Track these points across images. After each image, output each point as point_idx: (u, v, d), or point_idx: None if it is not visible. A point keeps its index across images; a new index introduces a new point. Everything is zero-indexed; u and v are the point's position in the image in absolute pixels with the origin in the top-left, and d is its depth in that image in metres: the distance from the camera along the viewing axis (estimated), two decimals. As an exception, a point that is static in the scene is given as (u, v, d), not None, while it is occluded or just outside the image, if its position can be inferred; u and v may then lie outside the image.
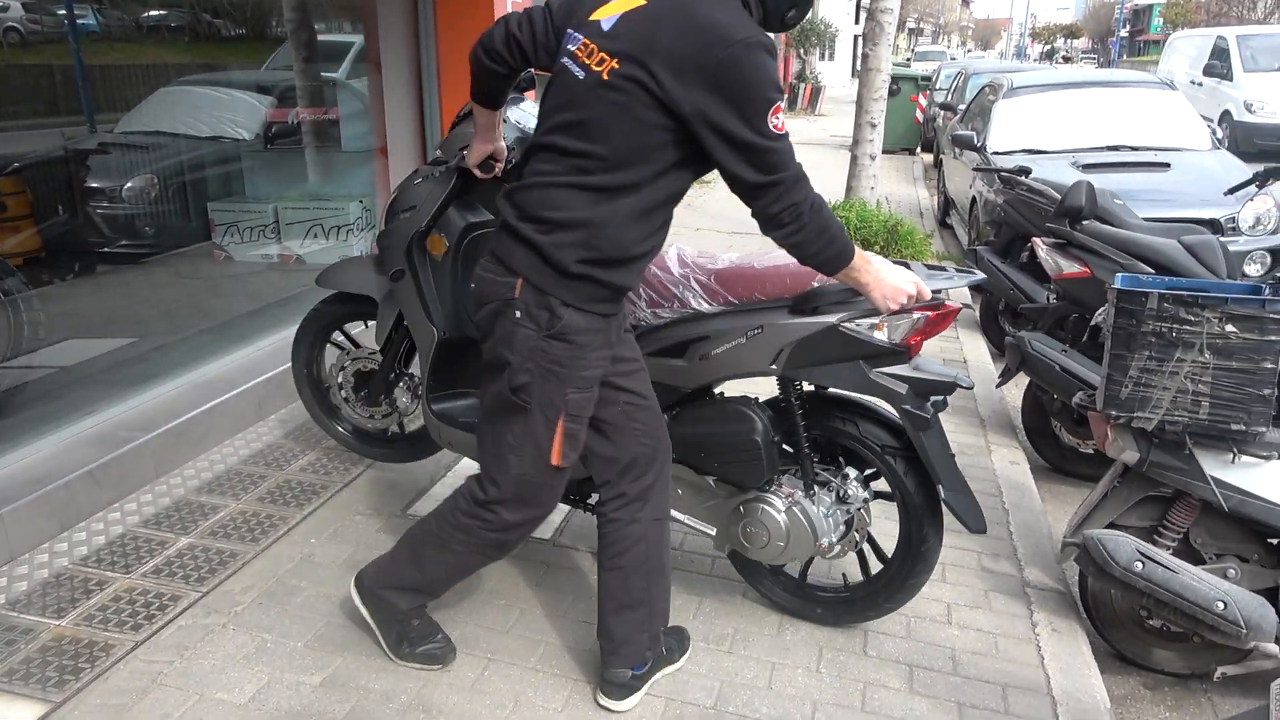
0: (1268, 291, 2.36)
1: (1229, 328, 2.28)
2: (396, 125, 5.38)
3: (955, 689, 2.35)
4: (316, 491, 3.15)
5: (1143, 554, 2.41)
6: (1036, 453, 3.96)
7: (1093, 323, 3.26)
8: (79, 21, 4.52)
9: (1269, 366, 2.26)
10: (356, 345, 3.14)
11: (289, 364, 3.85)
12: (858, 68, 7.66)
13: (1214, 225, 5.35)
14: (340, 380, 3.11)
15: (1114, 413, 2.45)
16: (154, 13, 5.14)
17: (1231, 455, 2.38)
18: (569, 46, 1.91)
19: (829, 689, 2.32)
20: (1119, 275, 2.59)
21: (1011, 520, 3.22)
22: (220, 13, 5.55)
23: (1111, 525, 2.61)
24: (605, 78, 1.82)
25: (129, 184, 4.94)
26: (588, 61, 1.85)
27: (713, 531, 2.53)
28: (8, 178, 4.16)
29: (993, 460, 3.70)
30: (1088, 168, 6.04)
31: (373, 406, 3.07)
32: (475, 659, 2.36)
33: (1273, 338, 2.24)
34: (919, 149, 14.71)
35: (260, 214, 5.39)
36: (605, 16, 1.87)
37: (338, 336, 3.23)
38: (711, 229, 8.06)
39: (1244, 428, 2.32)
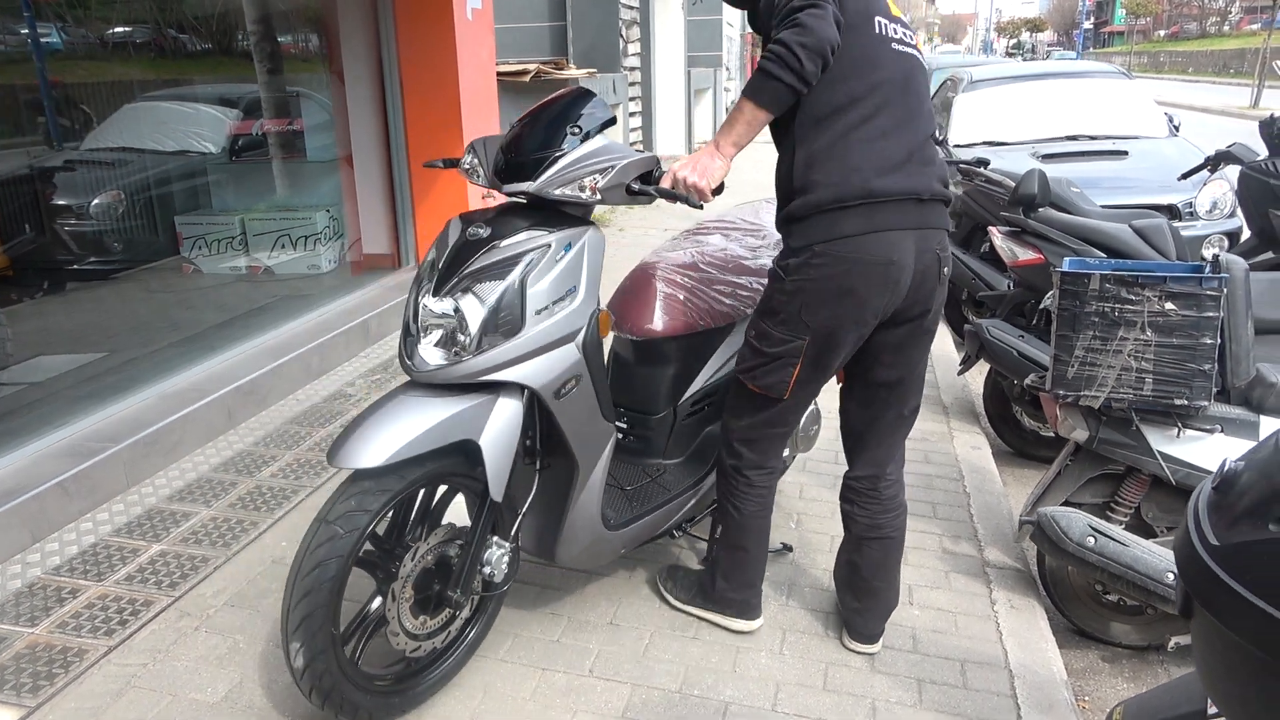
0: (1206, 270, 2.44)
1: (1168, 305, 2.36)
2: (361, 133, 5.42)
3: (915, 666, 2.41)
4: (287, 496, 3.18)
5: (1095, 529, 2.48)
6: (999, 437, 4.04)
7: (1041, 306, 3.34)
8: (42, 40, 4.52)
9: (1208, 342, 2.34)
10: (388, 548, 2.08)
11: (257, 372, 3.90)
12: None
13: (1172, 210, 5.45)
14: (401, 593, 2.04)
15: (1061, 392, 2.53)
16: (119, 29, 5.15)
17: (1177, 430, 2.46)
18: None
19: (791, 670, 2.38)
20: (1066, 259, 2.67)
21: (973, 503, 3.30)
22: (185, 27, 5.56)
23: (1066, 503, 2.69)
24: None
25: (96, 200, 4.95)
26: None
27: None
28: (-29, 196, 4.15)
29: (955, 446, 3.78)
30: (1047, 158, 6.15)
31: (433, 613, 2.13)
32: (446, 653, 2.40)
33: (1210, 314, 2.32)
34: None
35: (227, 226, 5.41)
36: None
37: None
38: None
39: (1186, 402, 2.40)
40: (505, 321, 1.96)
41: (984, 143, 6.69)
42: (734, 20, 19.03)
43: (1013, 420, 3.98)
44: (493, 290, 1.96)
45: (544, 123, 2.11)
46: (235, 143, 5.82)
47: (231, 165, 5.81)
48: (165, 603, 2.56)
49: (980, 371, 4.09)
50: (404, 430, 1.87)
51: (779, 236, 2.15)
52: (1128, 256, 3.57)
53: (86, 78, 4.90)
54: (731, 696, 2.27)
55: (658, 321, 2.52)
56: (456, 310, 1.95)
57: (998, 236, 4.03)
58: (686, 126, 12.30)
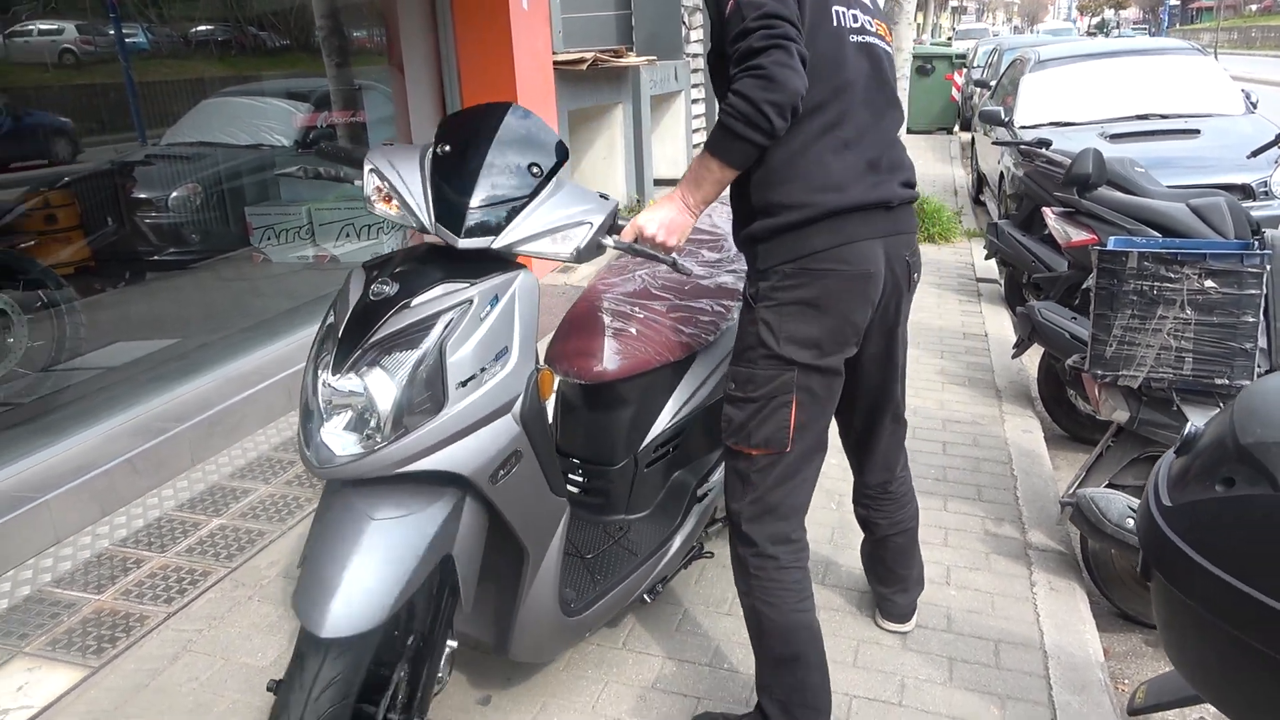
0: (1256, 247, 2.38)
1: (1208, 283, 2.31)
2: (420, 124, 5.55)
3: (948, 645, 2.41)
4: (341, 475, 3.31)
5: (1134, 510, 2.44)
6: (1054, 421, 3.97)
7: (1083, 287, 3.27)
8: (128, 40, 4.74)
9: (1249, 320, 2.29)
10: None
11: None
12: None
13: (1246, 190, 5.28)
14: None
15: (1100, 371, 2.49)
16: (200, 28, 5.37)
17: (1218, 410, 2.40)
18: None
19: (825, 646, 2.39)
20: (1111, 238, 2.63)
21: (1019, 486, 3.25)
22: (264, 25, 5.77)
23: (1109, 485, 2.65)
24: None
25: (174, 193, 5.16)
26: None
27: None
28: (58, 191, 4.38)
29: (1005, 429, 3.72)
30: (1116, 138, 5.99)
31: None
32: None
33: (1251, 291, 2.27)
34: (957, 128, 14.54)
35: (295, 217, 5.60)
36: None
37: None
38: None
39: (1227, 381, 2.34)
40: (423, 400, 1.60)
41: (1050, 123, 6.53)
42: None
43: (1067, 403, 3.90)
44: (405, 362, 1.59)
45: (487, 151, 1.75)
46: (304, 135, 6.02)
47: (300, 157, 6.00)
48: (222, 573, 2.70)
49: (1036, 355, 4.02)
50: (386, 578, 1.54)
51: (726, 245, 2.01)
52: (1183, 236, 3.48)
53: (169, 75, 5.12)
54: (758, 671, 2.30)
55: (609, 362, 2.20)
56: (364, 389, 1.58)
57: (1051, 217, 3.95)
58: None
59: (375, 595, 1.51)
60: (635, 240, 1.84)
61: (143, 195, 5.02)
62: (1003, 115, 6.89)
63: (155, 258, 5.07)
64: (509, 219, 1.73)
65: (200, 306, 4.92)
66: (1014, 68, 8.07)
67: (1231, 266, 2.27)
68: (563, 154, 1.87)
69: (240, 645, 2.40)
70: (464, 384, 1.63)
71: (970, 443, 3.60)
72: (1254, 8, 57.24)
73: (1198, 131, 6.03)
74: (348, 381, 1.59)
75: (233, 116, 5.63)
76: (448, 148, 1.77)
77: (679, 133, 9.60)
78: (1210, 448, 1.04)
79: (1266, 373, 2.39)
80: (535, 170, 1.78)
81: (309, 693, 1.50)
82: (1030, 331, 3.61)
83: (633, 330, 2.27)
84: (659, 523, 2.37)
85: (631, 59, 7.53)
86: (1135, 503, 2.46)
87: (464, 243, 1.71)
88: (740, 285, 2.19)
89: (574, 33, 7.80)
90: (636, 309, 2.32)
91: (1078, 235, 3.78)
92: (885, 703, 2.21)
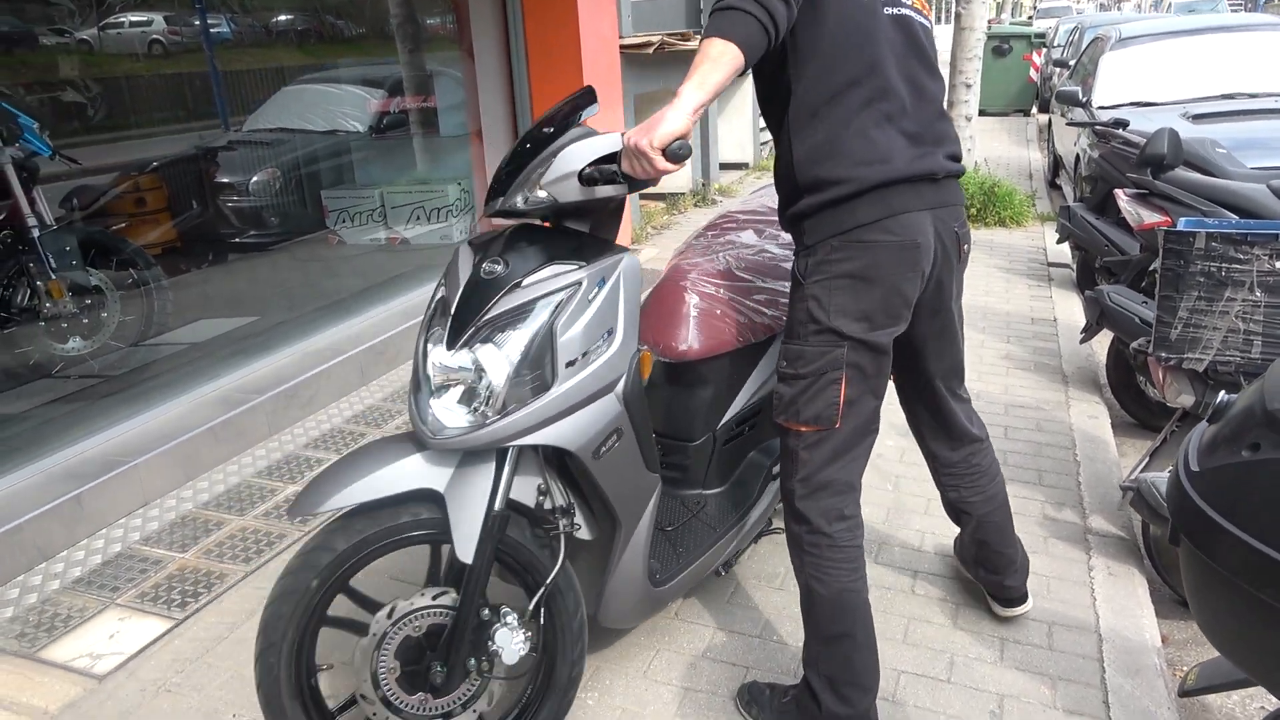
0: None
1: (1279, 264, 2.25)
2: (490, 109, 5.65)
3: (999, 626, 2.41)
4: (409, 447, 3.43)
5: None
6: (1122, 408, 3.89)
7: (1151, 268, 3.20)
8: (212, 30, 4.94)
9: (1322, 302, 2.23)
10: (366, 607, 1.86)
11: (389, 333, 4.18)
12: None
13: (1337, 172, 5.06)
14: (384, 667, 1.79)
15: (1164, 354, 2.45)
16: (281, 18, 5.56)
17: (1288, 394, 2.35)
18: None
19: (875, 623, 2.41)
20: (1182, 219, 2.57)
21: (1082, 471, 3.21)
22: (340, 14, 5.94)
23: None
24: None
25: (255, 178, 5.37)
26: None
27: None
28: (148, 175, 4.60)
29: (1070, 414, 3.67)
30: (1199, 118, 5.78)
31: (441, 692, 1.82)
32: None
33: (1324, 272, 2.21)
34: (1035, 109, 14.16)
35: (369, 200, 5.76)
36: None
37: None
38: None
39: (1298, 365, 2.28)
40: (533, 378, 1.69)
41: (1130, 104, 6.34)
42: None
43: (1136, 389, 3.82)
44: (517, 341, 1.69)
45: (536, 130, 1.83)
46: (377, 120, 6.18)
47: (373, 142, 6.16)
48: (296, 536, 2.83)
49: (1106, 340, 3.94)
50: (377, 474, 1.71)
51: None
52: (1261, 218, 3.37)
53: (250, 64, 5.31)
54: (808, 644, 2.34)
55: (693, 341, 2.26)
56: (475, 365, 1.69)
57: (1123, 199, 3.86)
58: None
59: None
60: (630, 150, 1.63)
61: (225, 180, 5.23)
62: (1080, 96, 6.71)
63: (236, 239, 5.28)
64: (516, 181, 1.80)
65: (278, 286, 5.12)
66: (1094, 46, 7.82)
67: (1303, 247, 2.21)
68: (589, 106, 1.86)
69: (312, 604, 2.53)
70: (571, 364, 1.72)
71: (1034, 427, 3.56)
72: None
73: (1288, 111, 5.79)
74: (460, 357, 1.69)
75: (310, 103, 5.81)
76: (528, 145, 1.84)
77: (746, 117, 9.56)
78: (1240, 415, 1.04)
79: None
80: (548, 131, 1.81)
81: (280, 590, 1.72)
82: (1099, 316, 3.54)
83: (717, 311, 2.30)
84: (734, 499, 2.42)
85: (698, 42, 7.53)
86: (1198, 487, 2.42)
87: (487, 210, 1.83)
88: None
89: (642, 17, 7.82)
90: (720, 289, 2.34)
91: (1150, 218, 3.69)
92: (934, 679, 2.23)
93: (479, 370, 1.68)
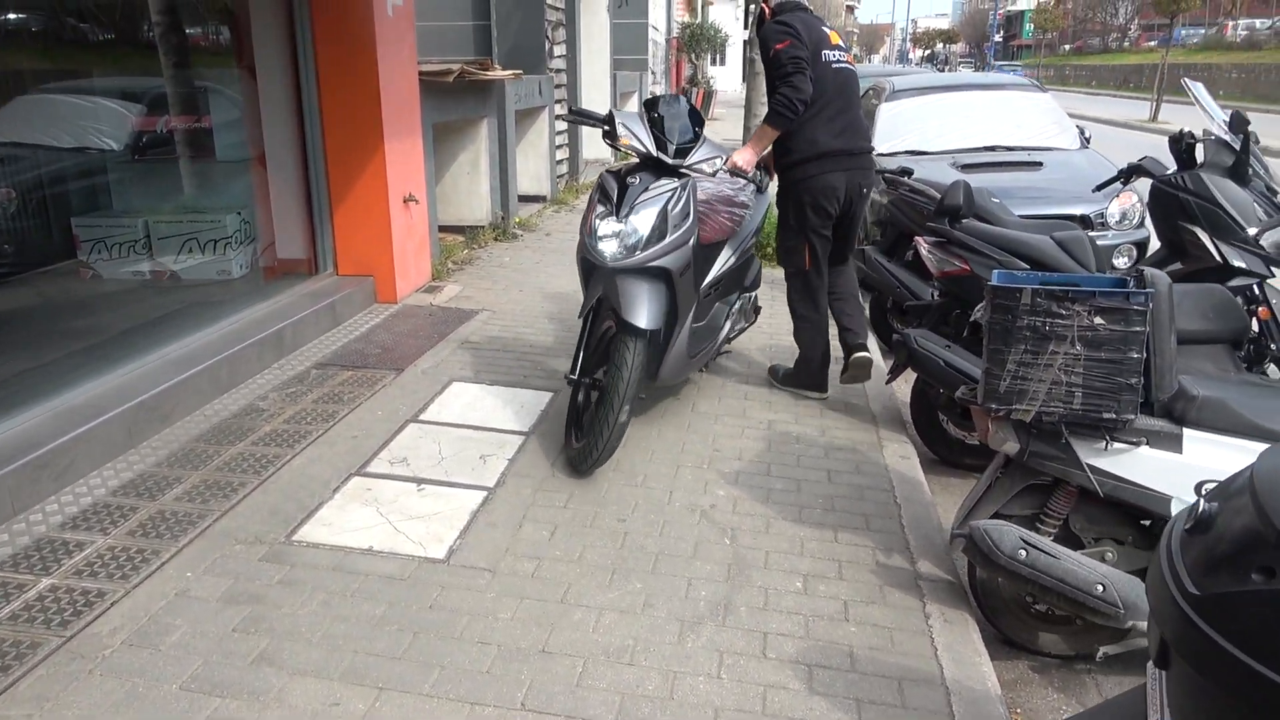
0: (1132, 285, 2.46)
1: (1097, 320, 2.37)
2: (275, 134, 5.19)
3: (853, 685, 2.37)
4: (193, 521, 2.99)
5: (1026, 542, 2.47)
6: (925, 446, 4.06)
7: (972, 318, 3.35)
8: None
9: (1135, 356, 2.36)
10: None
11: (161, 386, 3.67)
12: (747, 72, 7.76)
13: (1084, 221, 5.59)
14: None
15: (994, 405, 2.52)
16: (10, 16, 4.84)
17: (1104, 443, 2.48)
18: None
19: (730, 695, 2.31)
20: (995, 272, 2.66)
21: (904, 514, 3.29)
22: (86, 16, 5.26)
23: (996, 515, 2.69)
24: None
25: (-20, 198, 4.63)
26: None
27: None
28: None
29: (884, 455, 3.77)
30: (966, 168, 6.25)
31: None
32: (365, 689, 2.27)
33: (1137, 328, 2.34)
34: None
35: (130, 229, 5.13)
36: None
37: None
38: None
39: (1114, 416, 2.41)
40: (658, 231, 3.37)
41: (906, 151, 6.77)
42: (659, 24, 19.05)
43: (939, 429, 4.00)
44: (650, 214, 3.37)
45: (676, 117, 3.62)
46: (139, 140, 5.54)
47: (135, 164, 5.52)
48: (55, 644, 2.35)
49: (907, 380, 4.10)
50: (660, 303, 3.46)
51: (743, 181, 4.11)
52: (1050, 268, 3.62)
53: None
54: (667, 726, 2.19)
55: (707, 232, 3.85)
56: (630, 225, 3.35)
57: (924, 246, 4.05)
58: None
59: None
60: (731, 169, 3.93)
61: (-60, 199, 4.48)
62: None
63: (-42, 270, 4.53)
64: (685, 154, 3.60)
65: (16, 328, 4.41)
66: (868, 97, 8.35)
67: (1119, 304, 2.33)
68: (699, 121, 3.73)
69: (80, 729, 2.09)
70: (674, 227, 3.42)
71: (854, 470, 3.63)
72: (1067, 48, 62.22)
73: (1040, 164, 6.38)
74: (620, 224, 3.36)
75: (55, 115, 5.11)
76: (656, 115, 3.61)
77: (542, 148, 9.45)
78: (1235, 532, 1.00)
79: (1142, 405, 2.48)
80: (697, 129, 3.69)
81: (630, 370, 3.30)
82: (906, 358, 3.68)
83: (709, 220, 3.87)
84: (714, 324, 4.14)
85: (498, 72, 7.34)
86: (1027, 534, 2.50)
87: (673, 161, 3.56)
88: (748, 206, 4.17)
89: (429, 43, 7.53)
90: (716, 210, 3.96)
91: (949, 265, 3.89)
92: (798, 753, 2.15)
93: (632, 227, 3.35)
